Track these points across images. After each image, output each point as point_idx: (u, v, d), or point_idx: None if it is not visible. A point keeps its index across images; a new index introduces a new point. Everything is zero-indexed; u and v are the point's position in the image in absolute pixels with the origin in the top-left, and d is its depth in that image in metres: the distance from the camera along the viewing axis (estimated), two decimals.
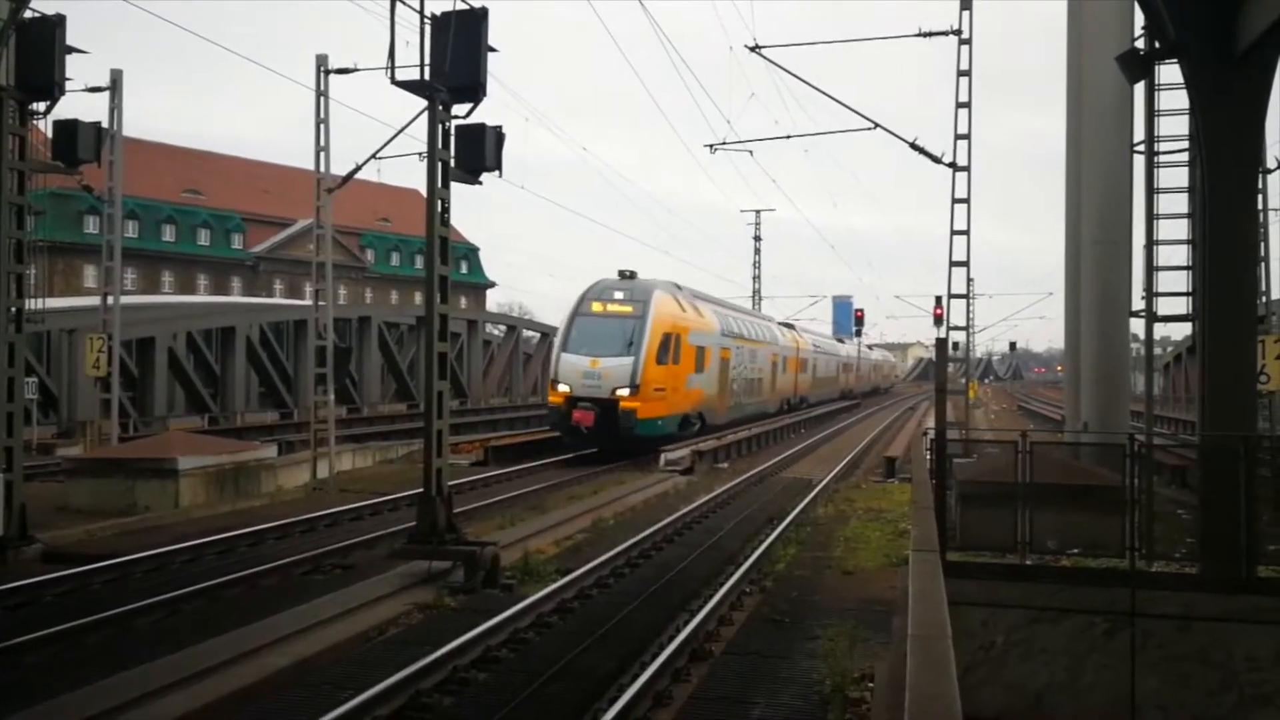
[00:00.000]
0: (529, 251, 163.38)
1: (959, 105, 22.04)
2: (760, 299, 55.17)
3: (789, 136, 27.61)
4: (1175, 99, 12.95)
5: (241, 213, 69.68)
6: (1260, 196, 15.19)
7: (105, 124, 18.49)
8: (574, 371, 23.88)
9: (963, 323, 39.39)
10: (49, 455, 21.23)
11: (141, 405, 28.19)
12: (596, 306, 25.18)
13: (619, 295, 25.27)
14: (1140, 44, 13.54)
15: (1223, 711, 10.33)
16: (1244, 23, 10.86)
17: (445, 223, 11.90)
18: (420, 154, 12.45)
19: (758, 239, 56.21)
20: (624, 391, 23.43)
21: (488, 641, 8.77)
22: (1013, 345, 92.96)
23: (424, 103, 11.73)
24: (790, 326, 46.82)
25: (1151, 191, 13.42)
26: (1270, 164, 19.14)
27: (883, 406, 61.90)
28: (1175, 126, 13.24)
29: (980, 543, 11.71)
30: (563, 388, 23.87)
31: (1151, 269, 13.53)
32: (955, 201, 21.87)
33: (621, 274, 26.33)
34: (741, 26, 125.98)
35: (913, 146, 21.88)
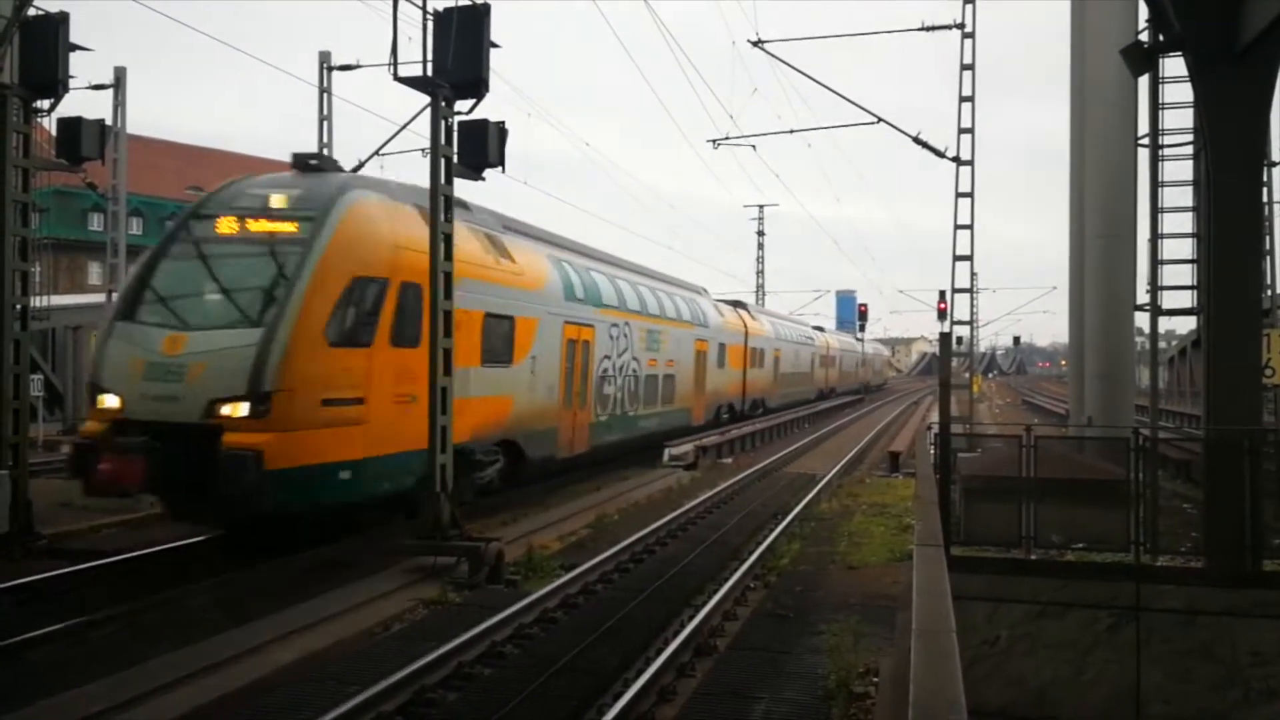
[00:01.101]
0: None
1: (962, 100, 22.03)
2: (764, 294, 55.15)
3: (792, 131, 27.57)
4: (1179, 92, 12.96)
5: None
6: (1265, 190, 15.19)
7: (109, 121, 18.51)
8: (127, 364, 11.06)
9: (967, 317, 39.52)
10: (54, 452, 21.28)
11: None
12: (225, 225, 11.98)
13: (276, 202, 11.97)
14: (1144, 37, 13.52)
15: (1227, 706, 10.32)
16: (1248, 16, 10.83)
17: (449, 218, 11.91)
18: (423, 150, 12.46)
19: (761, 234, 56.17)
20: (235, 409, 10.53)
21: (492, 637, 8.79)
22: (1017, 339, 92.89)
23: (427, 99, 11.73)
24: (741, 305, 35.45)
25: (1156, 185, 13.42)
26: (1275, 157, 19.11)
27: (885, 402, 61.85)
28: (1179, 120, 13.24)
29: (984, 537, 11.72)
30: (110, 400, 11.02)
31: (1156, 262, 13.54)
32: (959, 196, 21.88)
33: (298, 160, 13.10)
34: (744, 21, 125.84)
35: (916, 141, 21.86)
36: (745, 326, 33.17)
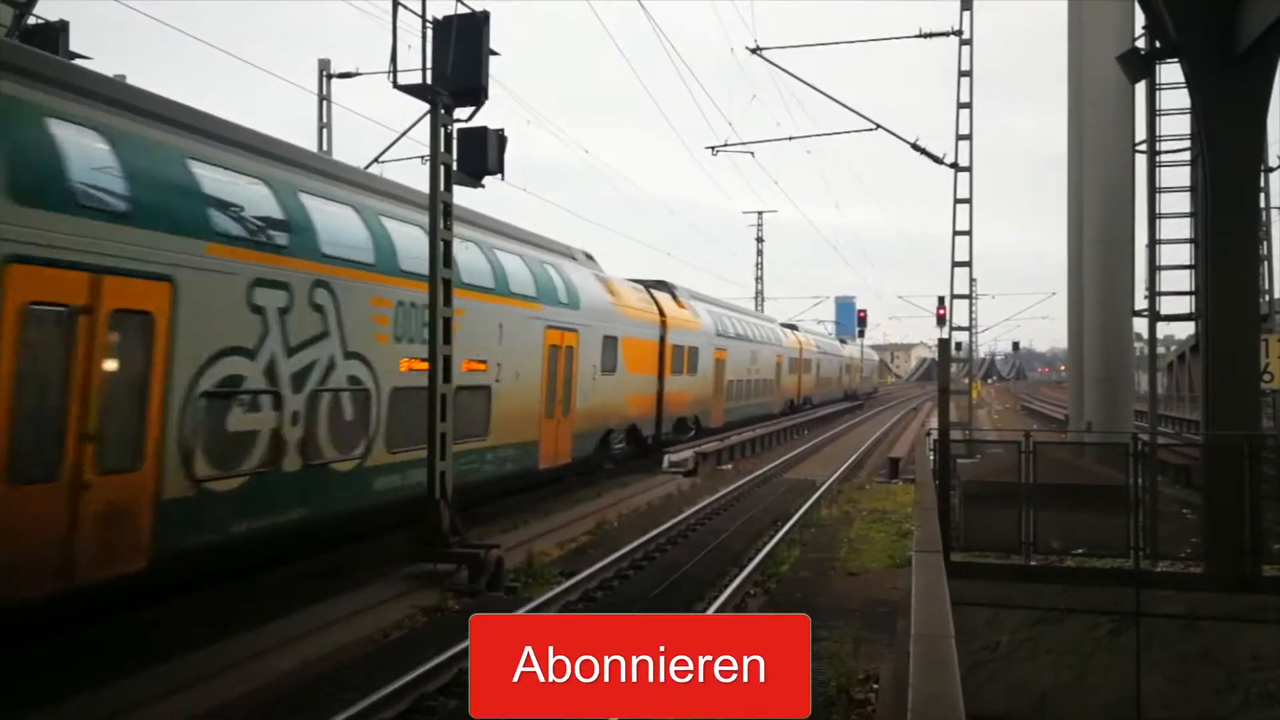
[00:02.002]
0: None
1: (960, 106, 22.13)
2: (763, 300, 55.19)
3: (791, 138, 27.78)
4: (1177, 98, 13.01)
5: None
6: (1262, 195, 15.24)
7: None
8: None
9: (966, 323, 39.61)
10: None
11: None
12: None
13: None
14: (1141, 43, 13.58)
15: (1228, 710, 10.33)
16: (1244, 22, 10.87)
17: (448, 226, 11.93)
18: (422, 157, 12.50)
19: (760, 240, 56.24)
20: None
21: None
22: (1016, 345, 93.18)
23: (426, 106, 11.77)
24: (664, 286, 25.63)
25: (1153, 190, 13.46)
26: (1272, 162, 19.18)
27: (885, 408, 61.83)
28: (1177, 125, 13.30)
29: (984, 543, 11.72)
30: None
31: (1154, 268, 13.57)
32: (957, 202, 21.96)
33: None
34: (742, 28, 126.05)
35: (914, 147, 21.94)
36: (662, 315, 23.60)
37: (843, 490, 20.76)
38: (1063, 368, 79.74)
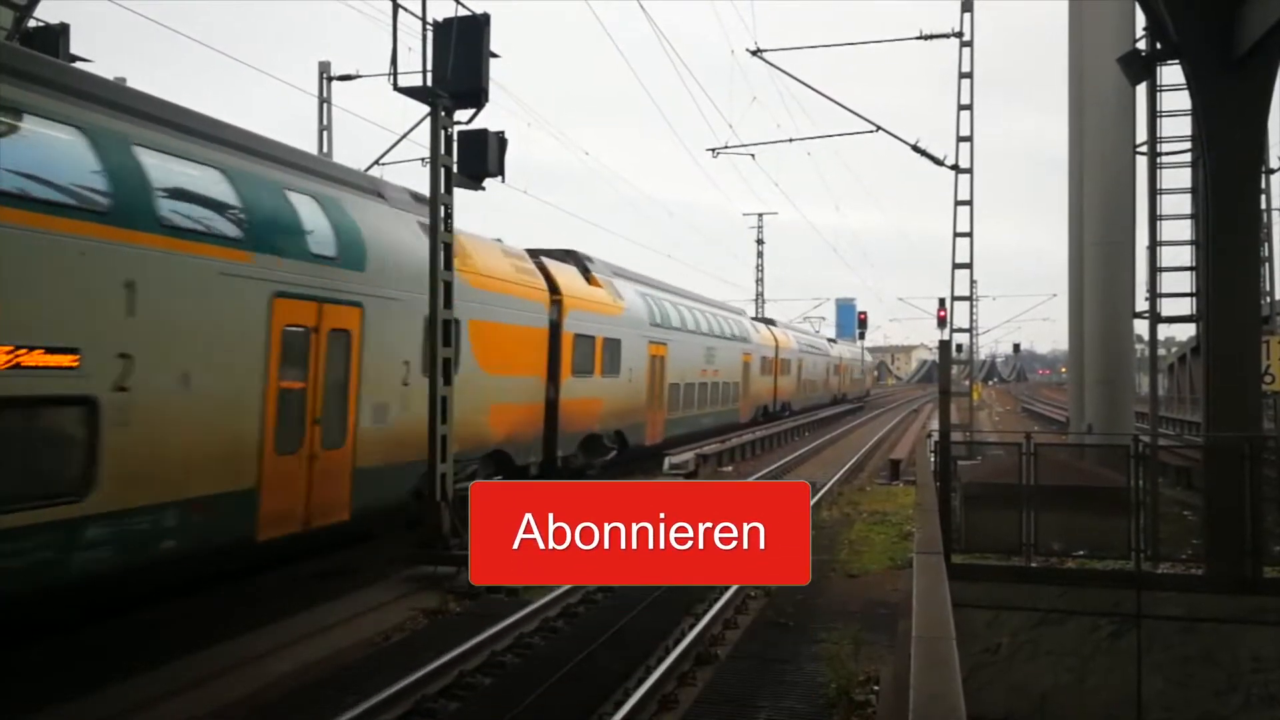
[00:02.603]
0: None
1: (961, 108, 22.11)
2: (763, 302, 55.15)
3: (791, 140, 27.73)
4: (1177, 100, 13.00)
5: None
6: (1263, 197, 15.23)
7: None
8: None
9: (966, 325, 39.53)
10: None
11: None
12: None
13: None
14: (1141, 45, 13.57)
15: (1229, 712, 10.31)
16: (1244, 23, 10.86)
17: (448, 228, 11.93)
18: (423, 160, 12.50)
19: (760, 242, 56.21)
20: None
21: (493, 646, 8.79)
22: (1016, 347, 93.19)
23: (426, 109, 11.77)
24: (573, 257, 19.65)
25: (1154, 192, 13.45)
26: (1273, 164, 19.18)
27: (885, 410, 61.79)
28: (1177, 127, 13.29)
29: (985, 545, 11.70)
30: None
31: (1155, 270, 13.57)
32: (958, 204, 21.94)
33: None
34: (743, 30, 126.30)
35: (915, 149, 21.93)
36: (555, 293, 17.20)
37: (843, 492, 20.74)
38: (1063, 369, 79.70)
